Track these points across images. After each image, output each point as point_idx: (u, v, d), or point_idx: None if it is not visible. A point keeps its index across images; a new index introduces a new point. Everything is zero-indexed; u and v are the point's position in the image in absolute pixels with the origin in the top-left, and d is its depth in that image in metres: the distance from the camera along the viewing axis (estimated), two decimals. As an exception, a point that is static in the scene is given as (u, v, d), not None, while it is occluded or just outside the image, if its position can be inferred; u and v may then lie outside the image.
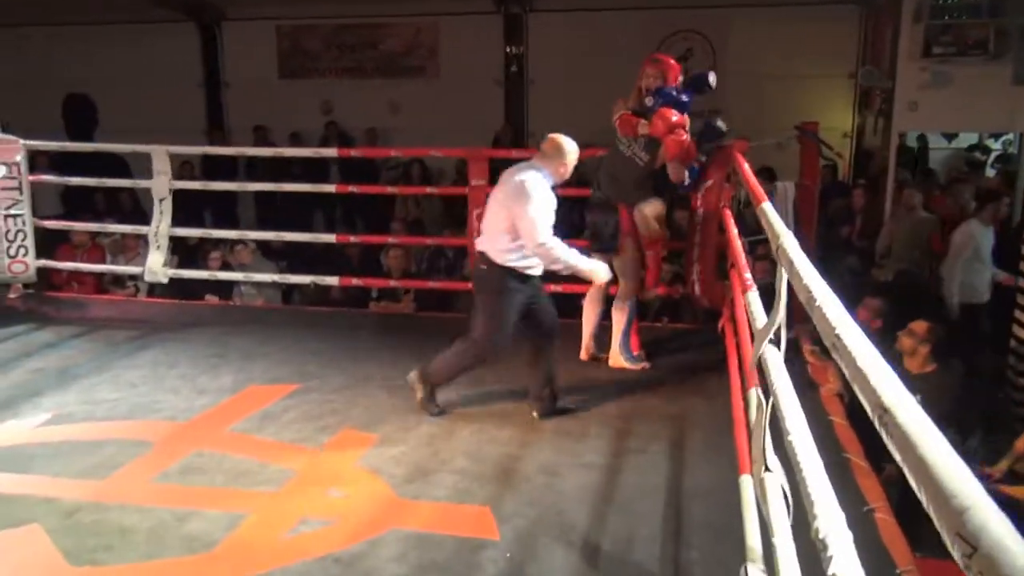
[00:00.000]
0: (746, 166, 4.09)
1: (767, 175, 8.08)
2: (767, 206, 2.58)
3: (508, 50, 10.72)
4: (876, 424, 1.06)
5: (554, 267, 3.85)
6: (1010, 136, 9.63)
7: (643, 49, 10.05)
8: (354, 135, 10.84)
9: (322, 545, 2.84)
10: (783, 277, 2.02)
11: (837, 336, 1.36)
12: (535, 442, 3.67)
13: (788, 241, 2.03)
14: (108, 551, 2.82)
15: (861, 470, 3.33)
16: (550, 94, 10.46)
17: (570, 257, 3.82)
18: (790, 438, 1.71)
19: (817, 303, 1.58)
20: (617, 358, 4.66)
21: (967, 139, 10.25)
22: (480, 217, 5.44)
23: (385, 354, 4.95)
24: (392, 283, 6.34)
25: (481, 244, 3.93)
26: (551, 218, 3.77)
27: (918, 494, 0.89)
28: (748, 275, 2.45)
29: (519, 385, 4.33)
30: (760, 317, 2.18)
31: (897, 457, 0.98)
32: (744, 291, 2.36)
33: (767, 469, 2.04)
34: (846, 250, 7.76)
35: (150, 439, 3.76)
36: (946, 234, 6.75)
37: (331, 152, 7.39)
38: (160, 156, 5.81)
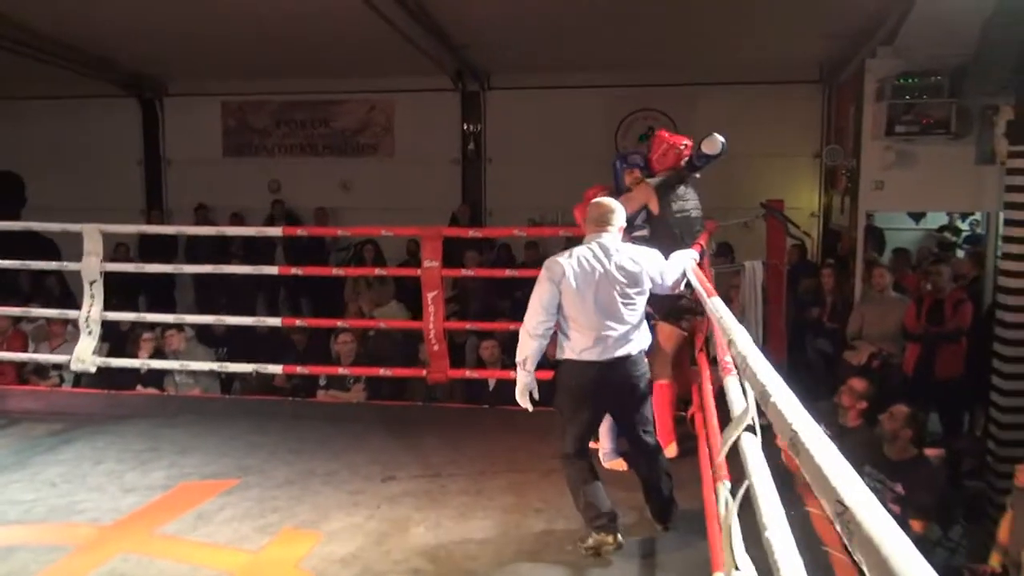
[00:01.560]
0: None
1: (725, 250, 8.31)
2: (716, 301, 2.64)
3: (465, 128, 10.98)
4: (835, 522, 1.07)
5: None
6: (977, 216, 10.02)
7: (603, 127, 10.46)
8: (303, 215, 10.89)
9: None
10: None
11: (794, 432, 1.38)
12: (496, 539, 3.59)
13: (739, 337, 2.08)
14: (15, 671, 2.66)
15: (842, 565, 3.30)
16: (509, 173, 10.67)
17: (688, 265, 3.88)
18: (767, 533, 1.69)
19: (772, 399, 1.59)
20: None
21: (934, 219, 10.63)
22: (436, 299, 5.46)
23: (332, 446, 4.86)
24: (340, 370, 6.26)
25: (622, 350, 3.50)
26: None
27: None
28: (728, 358, 2.46)
29: (475, 475, 4.28)
30: (737, 403, 2.20)
31: (858, 556, 0.98)
32: (725, 374, 2.38)
33: (736, 569, 2.02)
34: (816, 332, 7.90)
35: (69, 543, 3.60)
36: (921, 313, 6.92)
37: (276, 231, 7.35)
38: (92, 235, 5.73)
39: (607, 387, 3.51)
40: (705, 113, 10.09)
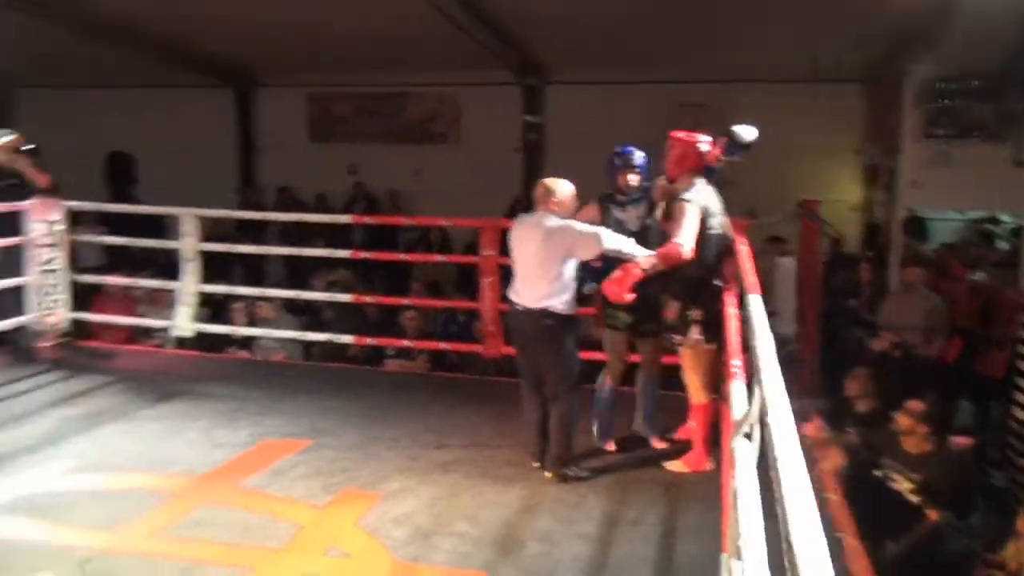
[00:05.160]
0: (743, 249, 4.03)
1: (777, 243, 8.03)
2: (755, 298, 2.63)
3: (527, 119, 10.99)
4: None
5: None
6: (1023, 210, 9.60)
7: (654, 120, 10.27)
8: (379, 197, 11.11)
9: (320, 605, 2.86)
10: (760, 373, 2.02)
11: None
12: (533, 509, 3.68)
13: (762, 342, 2.06)
14: (116, 604, 2.86)
15: (853, 551, 3.28)
16: (567, 162, 10.47)
17: (623, 245, 3.92)
18: (790, 524, 1.64)
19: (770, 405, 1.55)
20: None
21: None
22: (492, 285, 5.55)
23: (397, 413, 4.99)
24: (406, 343, 6.41)
25: (533, 301, 3.92)
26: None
27: None
28: (736, 361, 2.46)
29: (518, 447, 4.34)
30: (739, 408, 2.20)
31: None
32: (729, 379, 2.39)
33: (738, 557, 2.05)
34: (854, 322, 7.70)
35: (165, 491, 3.82)
36: (972, 307, 6.65)
37: (346, 219, 7.67)
38: (188, 219, 5.97)
39: (520, 329, 4.06)
40: (749, 109, 9.80)
